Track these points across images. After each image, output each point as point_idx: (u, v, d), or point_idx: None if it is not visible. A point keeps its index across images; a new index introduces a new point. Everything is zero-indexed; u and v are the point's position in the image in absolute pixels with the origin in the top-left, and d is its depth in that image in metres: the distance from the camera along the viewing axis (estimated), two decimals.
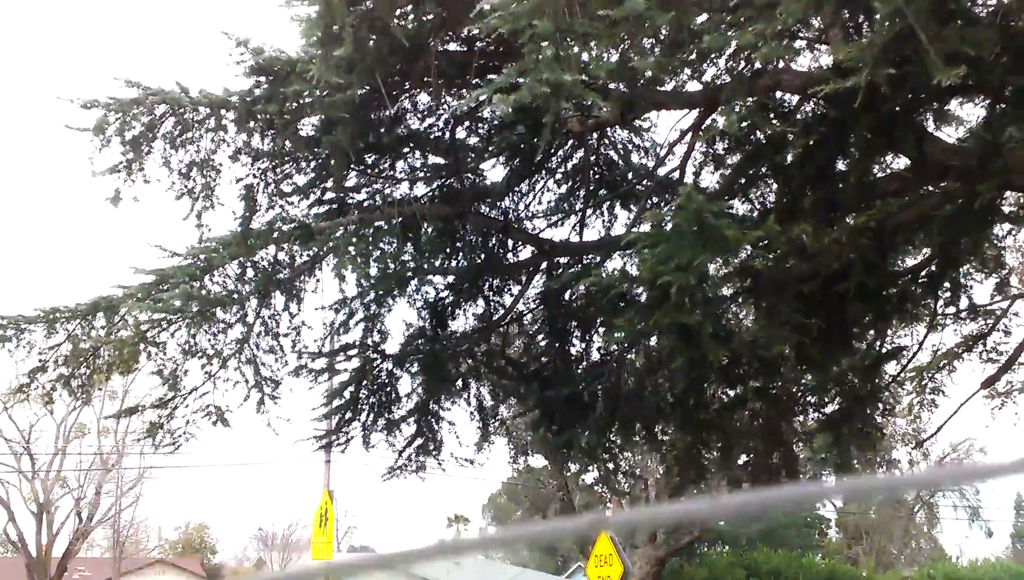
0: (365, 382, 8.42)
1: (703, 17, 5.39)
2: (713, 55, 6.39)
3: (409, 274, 8.02)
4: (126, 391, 28.20)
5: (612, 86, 6.18)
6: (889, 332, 8.56)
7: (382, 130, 7.34)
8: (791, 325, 6.07)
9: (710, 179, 7.71)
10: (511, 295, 8.87)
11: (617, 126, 8.18)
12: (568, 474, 20.53)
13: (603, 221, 8.99)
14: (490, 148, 8.22)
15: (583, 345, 8.71)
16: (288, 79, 6.35)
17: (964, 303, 8.24)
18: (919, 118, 6.16)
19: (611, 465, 9.19)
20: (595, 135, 8.35)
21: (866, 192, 6.27)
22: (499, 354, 9.12)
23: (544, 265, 8.62)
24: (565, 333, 8.62)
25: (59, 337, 7.21)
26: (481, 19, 5.16)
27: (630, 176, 8.89)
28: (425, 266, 8.14)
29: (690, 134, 7.42)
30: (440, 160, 8.03)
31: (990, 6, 5.18)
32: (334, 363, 8.31)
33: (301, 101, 6.47)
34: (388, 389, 8.60)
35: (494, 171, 8.52)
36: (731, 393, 7.79)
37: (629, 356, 8.33)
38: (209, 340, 7.56)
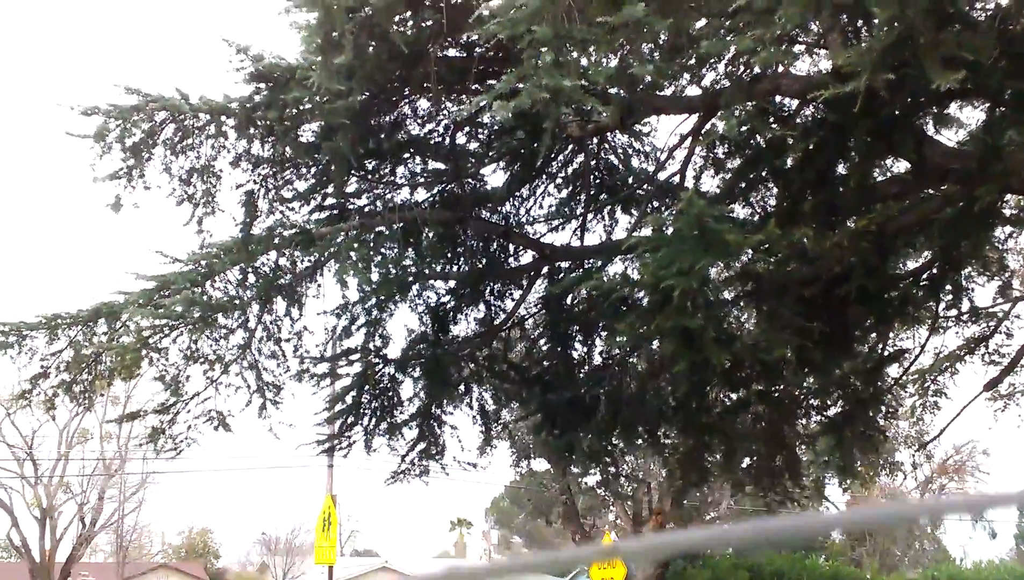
0: (367, 387, 8.43)
1: (702, 22, 5.40)
2: (712, 60, 6.40)
3: (410, 279, 8.02)
4: (128, 396, 28.27)
5: (612, 91, 6.19)
6: (891, 335, 8.56)
7: (382, 136, 7.35)
8: (793, 328, 6.07)
9: (710, 183, 7.73)
10: (512, 299, 8.88)
11: (617, 131, 8.18)
12: (570, 477, 20.51)
13: (604, 225, 9.00)
14: (490, 153, 8.23)
15: (585, 349, 8.71)
16: (288, 85, 6.37)
17: (966, 306, 8.24)
18: (919, 122, 6.16)
19: (613, 468, 9.19)
20: (595, 140, 8.35)
21: (866, 196, 6.27)
22: (501, 358, 9.12)
23: (545, 269, 8.62)
24: (567, 337, 8.62)
25: (61, 343, 7.23)
26: (480, 25, 5.17)
27: (630, 180, 8.89)
28: (426, 271, 8.15)
29: (690, 138, 7.42)
30: (440, 165, 8.04)
31: (988, 10, 5.19)
32: (336, 368, 8.31)
33: (301, 107, 6.49)
34: (390, 393, 8.61)
35: (495, 176, 8.53)
36: (733, 396, 7.79)
37: (631, 360, 8.33)
38: (211, 345, 7.57)
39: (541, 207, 8.80)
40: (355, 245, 7.05)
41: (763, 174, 7.04)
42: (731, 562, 25.98)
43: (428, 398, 8.63)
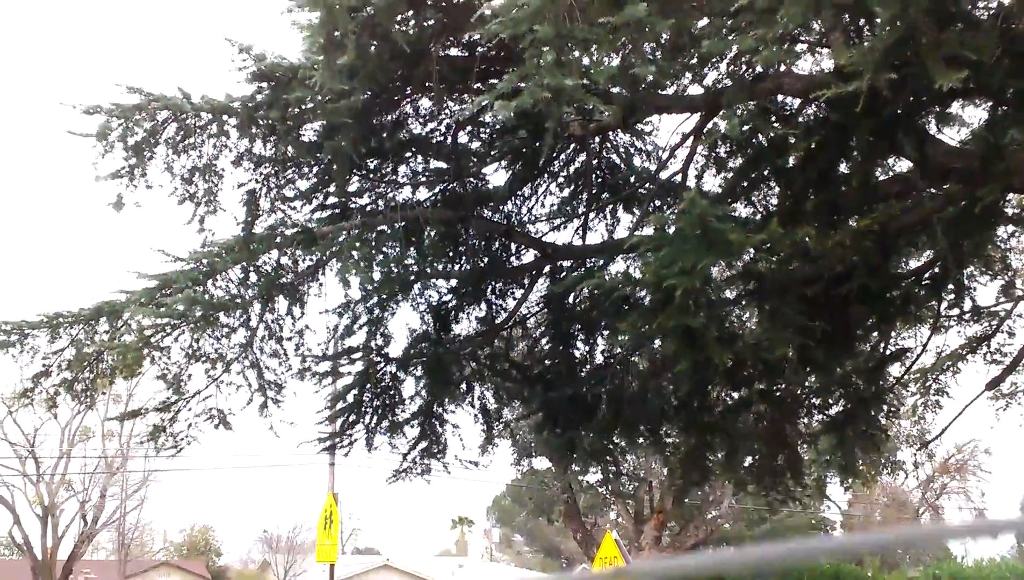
0: (369, 385, 8.43)
1: (704, 22, 5.40)
2: (714, 59, 6.39)
3: (412, 278, 8.03)
4: (130, 394, 28.27)
5: (613, 90, 6.19)
6: (893, 334, 8.56)
7: (384, 135, 7.35)
8: (795, 327, 6.07)
9: (712, 182, 7.72)
10: (514, 298, 8.88)
11: (619, 130, 8.18)
12: (572, 476, 20.52)
13: (606, 224, 9.00)
14: (492, 152, 8.23)
15: (586, 348, 8.71)
16: (290, 85, 6.37)
17: (967, 305, 8.24)
18: (921, 121, 6.15)
19: (614, 467, 9.19)
20: (597, 139, 8.35)
21: (868, 195, 6.27)
22: (502, 357, 9.13)
23: (547, 268, 8.62)
24: (568, 336, 8.62)
25: (63, 342, 7.24)
26: (482, 24, 5.17)
27: (632, 180, 8.88)
28: (428, 270, 8.15)
29: (692, 138, 7.41)
30: (442, 164, 8.04)
31: (990, 9, 5.18)
32: (338, 366, 8.32)
33: (303, 107, 6.49)
34: (392, 392, 8.61)
35: (496, 175, 8.53)
36: (735, 395, 7.79)
37: (633, 359, 8.34)
38: (212, 344, 7.58)
39: (543, 206, 8.81)
40: (357, 244, 7.06)
41: (765, 173, 7.04)
42: None
43: (430, 396, 8.63)
